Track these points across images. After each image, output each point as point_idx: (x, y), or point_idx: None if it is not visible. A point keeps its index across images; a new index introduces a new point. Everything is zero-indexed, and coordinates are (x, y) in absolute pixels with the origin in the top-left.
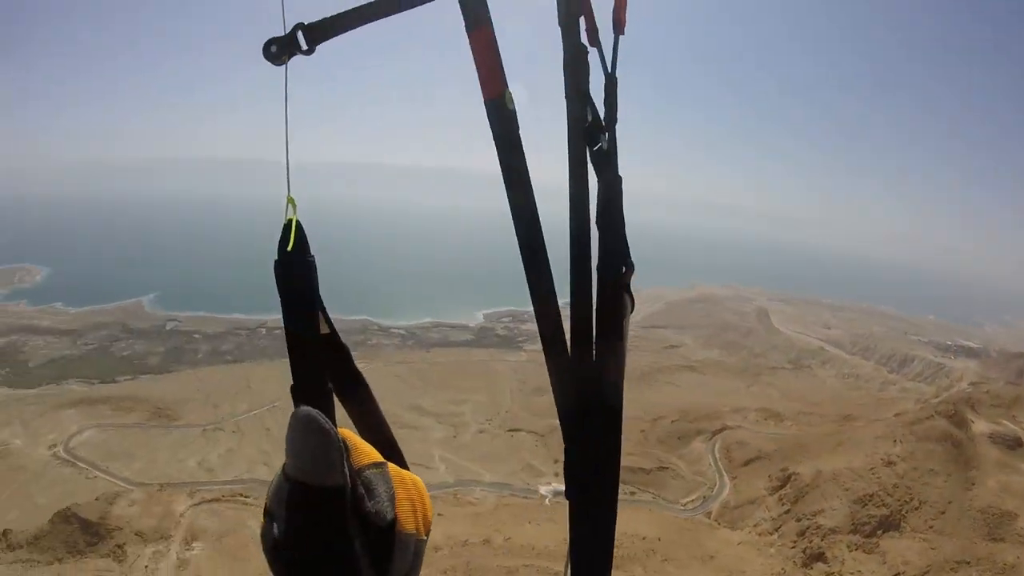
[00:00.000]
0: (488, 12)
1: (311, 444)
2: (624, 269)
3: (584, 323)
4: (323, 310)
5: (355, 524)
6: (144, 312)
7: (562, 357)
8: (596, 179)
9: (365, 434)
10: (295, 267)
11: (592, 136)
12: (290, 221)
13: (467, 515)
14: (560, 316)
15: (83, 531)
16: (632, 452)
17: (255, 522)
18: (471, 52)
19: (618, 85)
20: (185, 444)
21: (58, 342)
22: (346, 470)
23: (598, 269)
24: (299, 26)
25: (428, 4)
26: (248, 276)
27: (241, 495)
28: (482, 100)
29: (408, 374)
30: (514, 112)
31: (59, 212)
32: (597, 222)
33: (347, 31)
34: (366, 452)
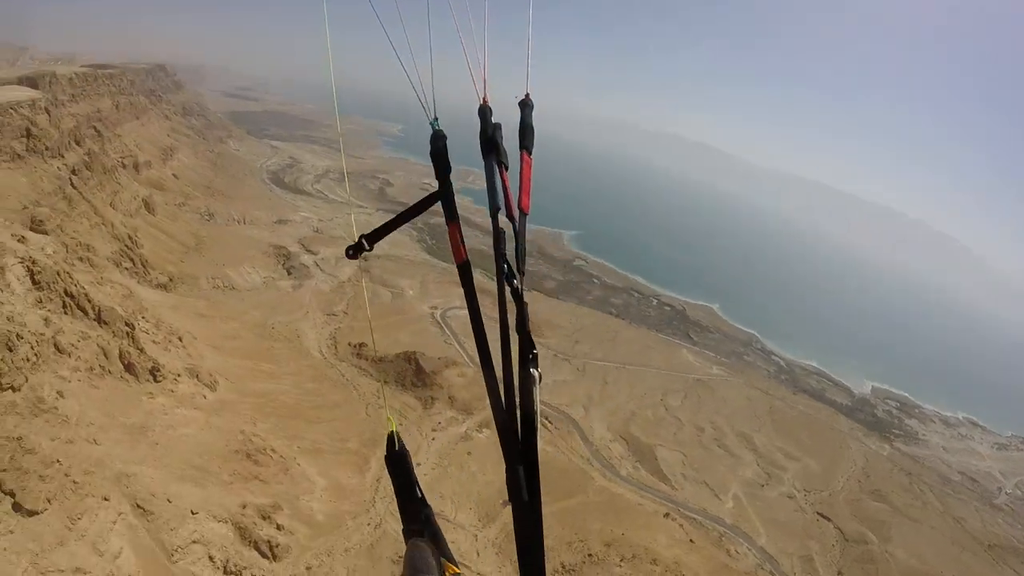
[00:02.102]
0: (456, 213)
1: None
2: (531, 355)
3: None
4: (423, 500)
5: None
6: (562, 243)
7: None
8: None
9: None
10: (401, 460)
11: (509, 279)
12: (392, 431)
13: (716, 564)
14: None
15: (415, 373)
16: None
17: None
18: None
19: (526, 252)
20: None
21: (480, 237)
22: None
23: (519, 359)
24: (362, 236)
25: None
26: (665, 247)
27: (547, 421)
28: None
29: (759, 402)
30: (470, 269)
31: (505, 131)
32: (516, 328)
33: (389, 233)
34: None
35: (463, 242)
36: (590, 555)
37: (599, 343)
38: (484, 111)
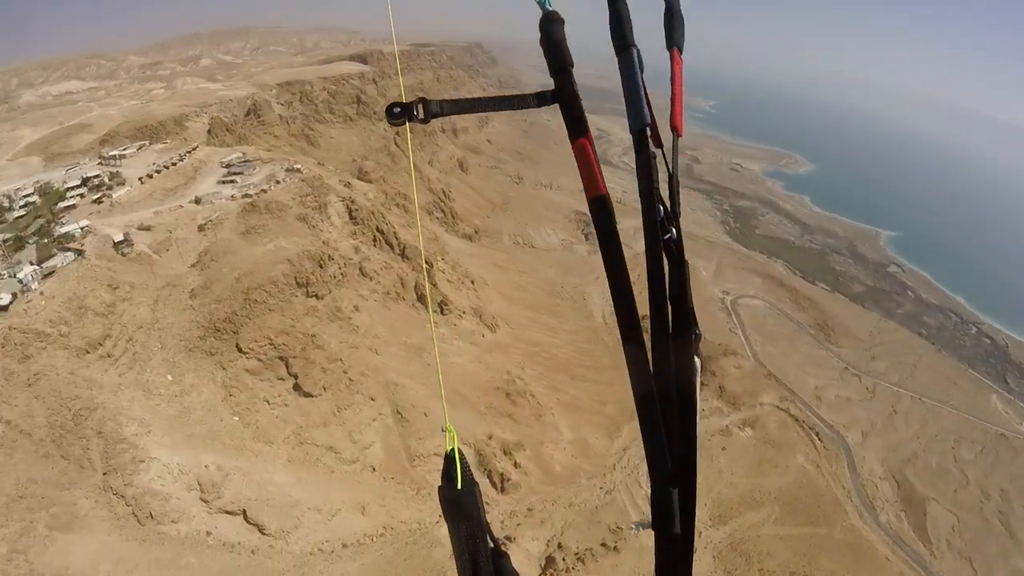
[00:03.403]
0: (587, 124)
1: None
2: (693, 337)
3: (665, 367)
4: (488, 527)
5: None
6: (876, 244)
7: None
8: (668, 264)
9: None
10: (463, 502)
11: (663, 228)
12: (452, 453)
13: None
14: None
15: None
16: None
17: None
18: (575, 157)
19: (679, 183)
20: (819, 363)
21: (788, 227)
22: None
23: (671, 336)
24: (421, 99)
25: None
26: (999, 266)
27: (816, 436)
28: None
29: None
30: (611, 206)
31: (820, 115)
32: (670, 297)
33: (456, 115)
34: None
35: (599, 167)
36: None
37: (897, 365)
38: None
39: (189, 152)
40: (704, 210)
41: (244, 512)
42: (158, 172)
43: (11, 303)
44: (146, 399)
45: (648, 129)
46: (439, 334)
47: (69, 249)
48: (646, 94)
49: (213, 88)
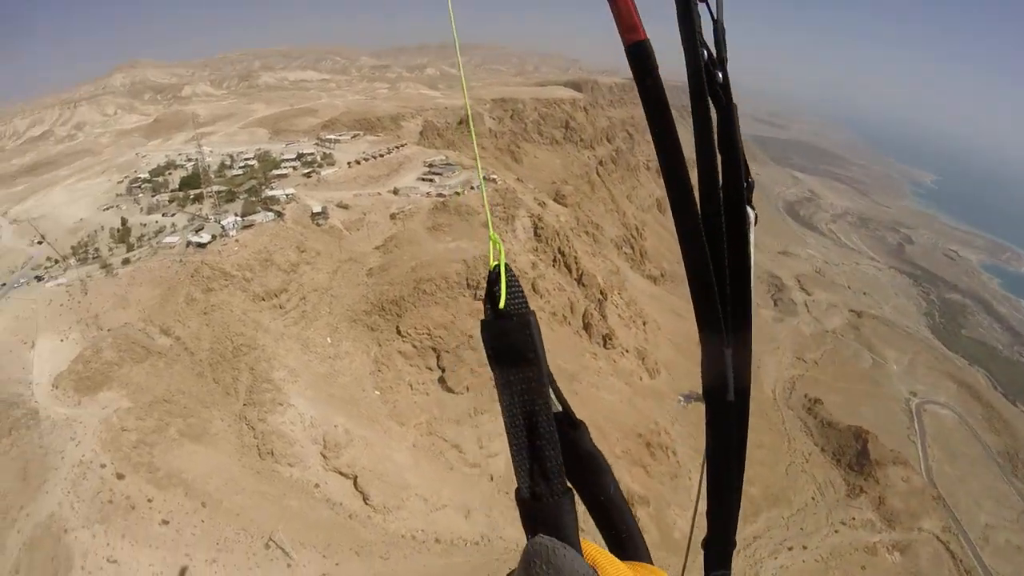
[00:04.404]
0: None
1: None
2: (745, 184)
3: (714, 219)
4: (552, 381)
5: None
6: None
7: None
8: (715, 110)
9: (603, 527)
10: (513, 333)
11: (708, 74)
12: (497, 267)
13: None
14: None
15: (857, 454)
16: None
17: None
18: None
19: (725, 30)
20: (998, 498)
21: (998, 332)
22: None
23: (722, 187)
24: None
25: None
26: None
27: None
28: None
29: None
30: (652, 53)
31: None
32: (719, 146)
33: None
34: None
35: (636, 7)
36: None
37: None
38: None
39: (398, 147)
40: (909, 297)
41: (355, 478)
42: (366, 160)
43: (209, 243)
44: (302, 353)
45: None
46: (597, 367)
47: (271, 210)
48: None
49: (432, 95)
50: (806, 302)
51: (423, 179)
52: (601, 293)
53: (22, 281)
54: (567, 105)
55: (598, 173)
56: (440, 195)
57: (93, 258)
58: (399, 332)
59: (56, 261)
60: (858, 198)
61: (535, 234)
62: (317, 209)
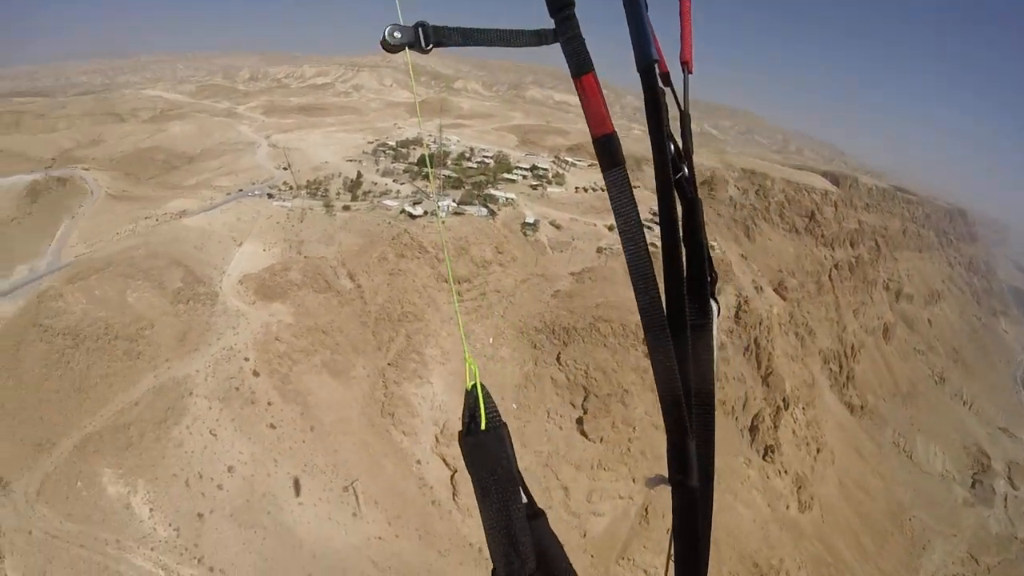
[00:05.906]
0: (591, 61)
1: None
2: (709, 278)
3: (678, 315)
4: (520, 478)
5: None
6: None
7: (665, 345)
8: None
9: None
10: (489, 446)
11: (674, 166)
12: (474, 389)
13: None
14: (662, 310)
15: None
16: None
17: None
18: (578, 95)
19: (691, 120)
20: None
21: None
22: None
23: (687, 279)
24: (421, 23)
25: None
26: None
27: None
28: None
29: None
30: (619, 145)
31: None
32: (684, 240)
33: (463, 45)
34: None
35: (606, 105)
36: None
37: None
38: None
39: (632, 188)
40: None
41: (455, 472)
42: (594, 190)
43: (419, 216)
44: (460, 341)
45: (656, 66)
46: (746, 474)
47: (487, 207)
48: (652, 31)
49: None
50: (1007, 496)
51: (644, 224)
52: (783, 400)
53: (256, 192)
54: (817, 195)
55: (830, 276)
56: (654, 245)
57: (321, 196)
58: (558, 359)
59: (290, 188)
60: None
61: (736, 315)
62: (530, 220)
